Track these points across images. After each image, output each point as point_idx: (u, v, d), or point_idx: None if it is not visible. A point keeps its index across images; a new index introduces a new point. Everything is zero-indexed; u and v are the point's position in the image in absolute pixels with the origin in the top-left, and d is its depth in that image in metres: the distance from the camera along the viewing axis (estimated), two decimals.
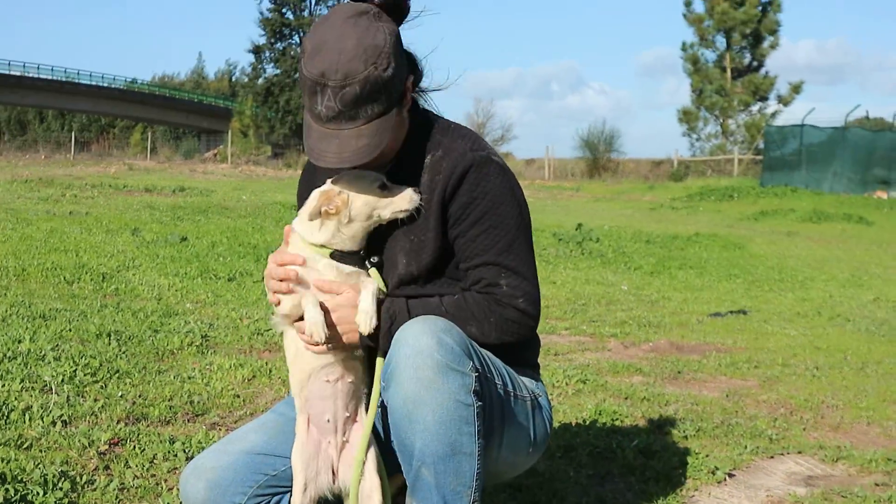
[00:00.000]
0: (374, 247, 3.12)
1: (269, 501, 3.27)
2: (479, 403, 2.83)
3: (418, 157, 3.13)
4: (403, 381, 2.78)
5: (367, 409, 3.12)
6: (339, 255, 3.01)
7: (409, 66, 3.06)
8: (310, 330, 2.91)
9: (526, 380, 3.30)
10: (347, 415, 3.13)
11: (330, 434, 3.12)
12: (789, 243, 20.07)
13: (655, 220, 25.19)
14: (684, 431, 5.40)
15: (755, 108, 63.69)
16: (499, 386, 3.06)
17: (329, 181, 3.07)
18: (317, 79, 2.85)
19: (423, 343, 2.78)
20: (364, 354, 3.11)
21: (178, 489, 3.91)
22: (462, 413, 2.79)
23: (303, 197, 3.41)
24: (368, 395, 3.10)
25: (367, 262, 3.08)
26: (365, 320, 2.93)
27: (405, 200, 3.02)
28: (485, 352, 3.05)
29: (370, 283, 2.98)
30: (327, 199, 2.97)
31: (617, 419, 5.55)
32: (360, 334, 2.97)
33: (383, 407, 2.96)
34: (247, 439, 3.32)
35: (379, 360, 3.02)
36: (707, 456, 4.98)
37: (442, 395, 2.76)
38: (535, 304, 3.16)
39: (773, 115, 60.19)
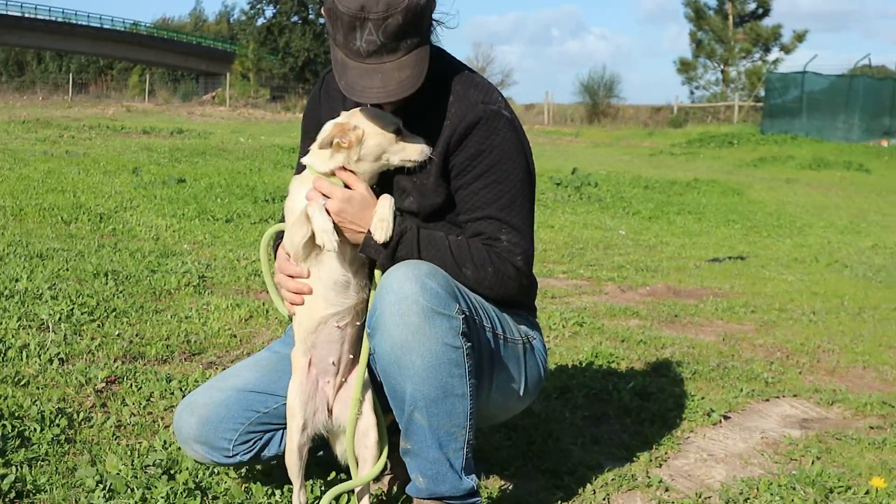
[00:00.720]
0: (376, 189, 3.09)
1: (261, 438, 3.28)
2: (469, 344, 2.83)
3: (428, 97, 3.09)
4: (389, 327, 2.77)
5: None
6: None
7: None
8: (321, 239, 2.86)
9: (517, 320, 3.29)
10: (351, 356, 3.13)
11: (330, 375, 3.12)
12: (788, 190, 20.04)
13: (654, 166, 25.13)
14: (680, 374, 5.42)
15: (757, 55, 63.34)
16: (487, 329, 3.05)
17: (344, 114, 3.04)
18: (356, 13, 2.76)
19: (407, 289, 2.77)
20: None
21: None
22: (451, 356, 2.79)
23: (308, 130, 3.38)
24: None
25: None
26: (382, 227, 2.90)
27: (416, 151, 2.99)
28: (473, 294, 3.03)
29: (387, 196, 2.98)
30: (342, 132, 2.93)
31: (613, 361, 5.56)
32: (366, 238, 2.95)
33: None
34: (240, 376, 3.33)
35: (377, 274, 3.00)
36: (703, 398, 4.99)
37: (429, 340, 2.75)
38: (531, 264, 3.17)
39: (775, 62, 59.90)
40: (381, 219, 2.92)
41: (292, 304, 3.06)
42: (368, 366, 3.07)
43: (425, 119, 3.08)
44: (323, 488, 3.45)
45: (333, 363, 3.10)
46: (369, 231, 2.94)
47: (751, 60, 63.28)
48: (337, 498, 3.34)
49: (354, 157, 2.95)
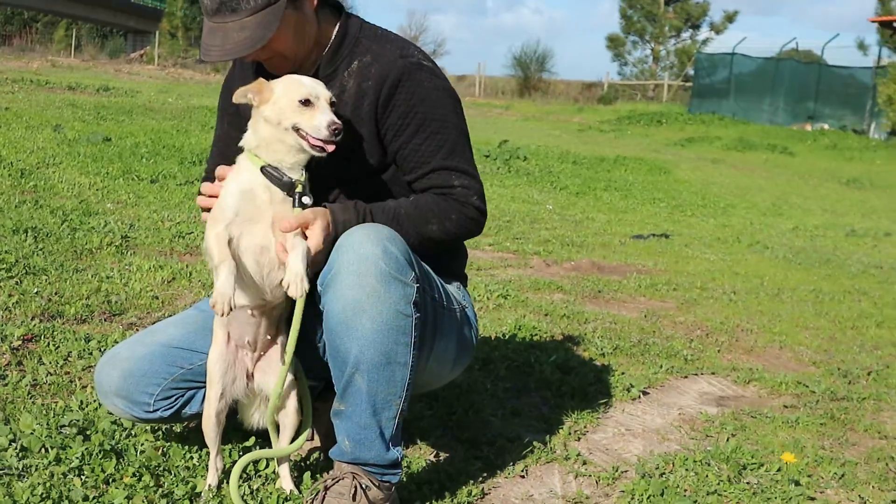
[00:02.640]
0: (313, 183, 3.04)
1: (183, 395, 3.26)
2: (418, 315, 2.84)
3: (344, 62, 3.11)
4: (344, 287, 2.75)
5: (286, 333, 3.08)
6: (268, 172, 2.90)
7: None
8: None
9: (453, 290, 3.31)
10: (269, 337, 3.12)
11: (248, 349, 3.11)
12: (714, 170, 20.26)
13: (583, 142, 25.26)
14: (602, 349, 5.46)
15: (686, 35, 63.81)
16: (434, 297, 3.07)
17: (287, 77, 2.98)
18: None
19: (368, 250, 2.75)
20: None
21: (92, 387, 3.88)
22: (400, 323, 2.78)
23: (225, 108, 3.37)
24: (289, 318, 3.05)
25: (295, 196, 2.90)
26: (295, 282, 2.78)
27: (311, 123, 2.83)
28: (420, 261, 3.03)
29: (299, 244, 2.83)
30: (258, 87, 2.90)
31: (536, 335, 5.60)
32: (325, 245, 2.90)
33: (314, 308, 2.93)
34: (165, 332, 3.30)
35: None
36: (623, 374, 5.05)
37: (383, 305, 2.75)
38: (485, 200, 3.21)
39: (705, 42, 60.32)
40: (295, 273, 2.79)
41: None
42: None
43: (348, 84, 3.09)
44: (241, 453, 3.43)
45: (248, 342, 3.09)
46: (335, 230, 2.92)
47: (680, 40, 63.73)
48: (256, 462, 3.33)
49: (262, 117, 2.90)
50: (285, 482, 3.19)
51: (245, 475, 3.27)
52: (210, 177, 3.37)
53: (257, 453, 3.14)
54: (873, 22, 43.07)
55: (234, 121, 3.31)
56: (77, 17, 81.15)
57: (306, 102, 2.86)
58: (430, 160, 3.10)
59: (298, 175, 2.92)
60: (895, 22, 40.47)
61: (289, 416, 3.12)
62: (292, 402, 3.11)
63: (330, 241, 2.88)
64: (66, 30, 79.54)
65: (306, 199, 2.90)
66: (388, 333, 2.78)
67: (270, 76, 3.01)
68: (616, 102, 46.97)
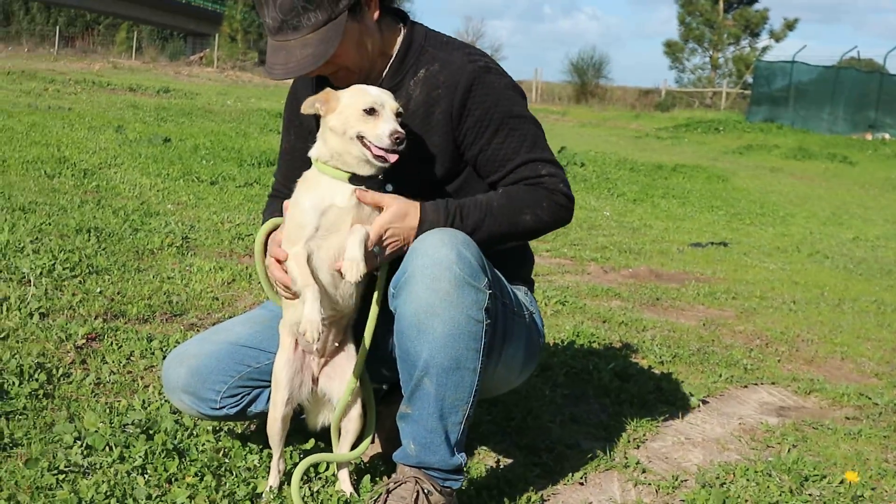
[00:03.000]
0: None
1: (249, 393, 3.28)
2: (489, 321, 2.83)
3: (410, 71, 3.11)
4: (418, 290, 2.76)
5: (353, 340, 3.12)
6: (356, 180, 2.91)
7: None
8: (304, 328, 2.81)
9: (521, 295, 3.31)
10: (336, 345, 3.13)
11: (315, 356, 3.12)
12: (772, 179, 20.07)
13: (640, 149, 25.13)
14: (660, 357, 5.43)
15: (745, 42, 63.26)
16: (505, 303, 3.07)
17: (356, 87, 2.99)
18: None
19: (443, 254, 2.76)
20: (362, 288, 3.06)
21: (154, 386, 3.93)
22: (472, 329, 2.79)
23: (291, 121, 3.39)
24: (357, 325, 3.07)
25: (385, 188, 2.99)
26: (351, 268, 2.78)
27: (375, 132, 2.83)
28: (492, 266, 3.03)
29: (358, 230, 2.84)
30: (325, 97, 2.91)
31: (594, 341, 5.57)
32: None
33: (387, 313, 2.94)
34: (233, 331, 3.33)
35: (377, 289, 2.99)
36: (682, 382, 5.01)
37: (455, 309, 2.75)
38: (570, 188, 3.22)
39: (764, 50, 59.86)
40: (350, 259, 2.79)
41: (286, 298, 3.05)
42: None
43: (415, 93, 3.09)
44: (301, 455, 3.45)
45: (317, 349, 3.09)
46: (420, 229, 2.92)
47: (739, 47, 63.21)
48: (316, 465, 3.34)
49: (329, 126, 2.91)
50: (345, 485, 3.20)
51: (305, 477, 3.28)
52: (278, 193, 3.42)
53: (319, 456, 3.16)
54: None
55: (300, 133, 3.33)
56: (138, 20, 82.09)
57: (371, 111, 2.85)
58: (514, 157, 3.11)
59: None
60: None
61: (352, 422, 3.14)
62: (356, 408, 3.13)
63: (412, 236, 2.92)
64: (127, 32, 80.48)
65: (389, 186, 2.98)
66: (459, 338, 2.78)
67: (333, 87, 3.03)
68: (673, 109, 46.68)
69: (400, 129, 2.82)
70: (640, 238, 10.24)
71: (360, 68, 3.08)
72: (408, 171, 2.99)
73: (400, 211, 2.91)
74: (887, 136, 33.24)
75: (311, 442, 3.55)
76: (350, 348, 3.14)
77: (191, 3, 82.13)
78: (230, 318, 4.92)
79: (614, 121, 39.47)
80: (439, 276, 2.74)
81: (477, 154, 3.12)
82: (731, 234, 11.42)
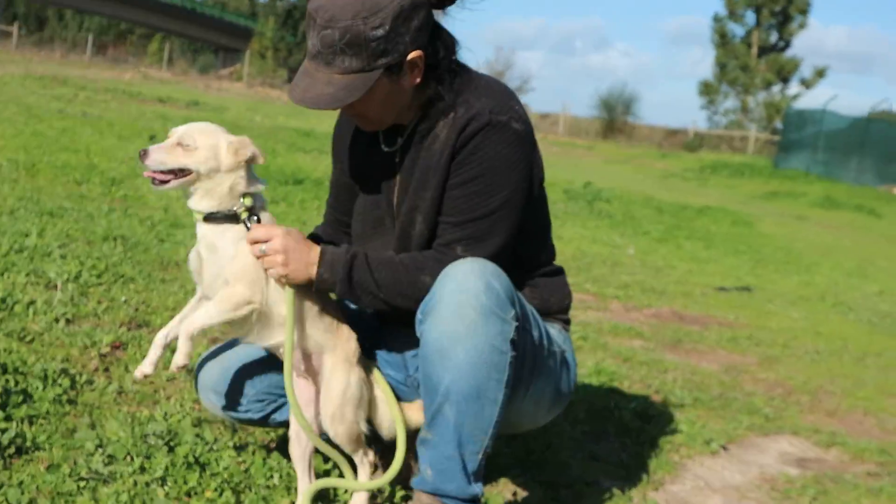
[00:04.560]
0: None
1: (276, 401, 3.35)
2: (513, 353, 2.81)
3: (442, 115, 3.01)
4: (444, 316, 2.75)
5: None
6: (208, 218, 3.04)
7: (429, 42, 2.91)
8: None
9: (555, 333, 3.29)
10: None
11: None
12: (798, 227, 20.00)
13: (666, 189, 25.11)
14: (682, 400, 5.40)
15: (776, 88, 63.22)
16: (535, 337, 3.04)
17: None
18: (310, 12, 2.82)
19: (471, 283, 2.75)
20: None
21: (176, 398, 3.94)
22: (495, 359, 2.77)
23: (337, 153, 3.39)
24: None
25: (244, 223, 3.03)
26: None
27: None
28: (524, 301, 3.01)
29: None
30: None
31: (615, 380, 5.54)
32: (317, 276, 2.95)
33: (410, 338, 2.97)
34: None
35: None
36: (703, 427, 4.97)
37: (479, 338, 2.73)
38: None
39: (795, 97, 59.75)
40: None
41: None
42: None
43: (441, 134, 3.00)
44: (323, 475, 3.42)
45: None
46: (318, 269, 2.94)
47: (769, 93, 63.15)
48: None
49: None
50: None
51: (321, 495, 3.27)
52: (327, 219, 3.50)
53: (339, 482, 3.15)
54: None
55: (342, 166, 3.36)
56: (170, 31, 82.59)
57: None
58: (457, 214, 3.00)
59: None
60: None
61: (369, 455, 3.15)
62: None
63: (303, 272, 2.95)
64: (159, 43, 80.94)
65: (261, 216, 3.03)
66: (482, 367, 2.76)
67: None
68: (700, 151, 46.64)
69: (146, 149, 2.93)
70: (663, 278, 10.21)
71: (380, 122, 3.05)
72: (411, 212, 3.06)
73: (301, 239, 2.97)
74: None
75: (330, 464, 3.53)
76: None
77: (223, 18, 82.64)
78: None
79: (641, 159, 39.45)
80: (466, 304, 2.73)
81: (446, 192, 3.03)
82: (755, 280, 11.37)
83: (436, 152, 3.00)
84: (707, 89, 64.38)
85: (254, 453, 3.54)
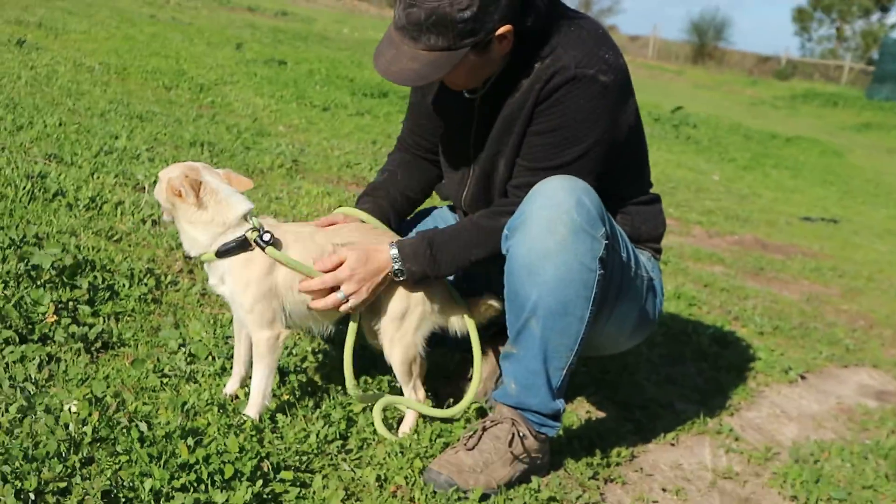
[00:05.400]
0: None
1: None
2: (602, 272, 2.81)
3: (524, 62, 2.95)
4: (533, 232, 2.75)
5: None
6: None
7: (521, 10, 2.82)
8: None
9: (644, 259, 3.26)
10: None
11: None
12: (889, 160, 19.54)
13: (754, 116, 24.64)
14: (761, 328, 5.35)
15: (875, 17, 61.48)
16: (623, 258, 3.02)
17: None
18: None
19: (562, 198, 2.74)
20: None
21: None
22: (584, 276, 2.77)
23: (413, 104, 3.38)
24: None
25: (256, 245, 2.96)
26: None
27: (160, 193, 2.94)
28: (614, 222, 3.00)
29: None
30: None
31: (694, 304, 5.51)
32: (403, 271, 2.99)
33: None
34: None
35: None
36: (781, 355, 4.94)
37: (569, 255, 2.73)
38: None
39: (894, 26, 58.12)
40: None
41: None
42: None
43: (523, 84, 2.95)
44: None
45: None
46: (395, 265, 2.97)
47: (867, 21, 61.44)
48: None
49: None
50: (406, 426, 3.19)
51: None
52: (401, 144, 3.48)
53: (404, 400, 3.17)
54: None
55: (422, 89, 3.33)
56: None
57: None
58: (534, 161, 2.99)
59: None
60: None
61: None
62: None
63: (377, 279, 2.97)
64: None
65: (266, 237, 2.92)
66: (570, 284, 2.76)
67: None
68: (792, 79, 45.62)
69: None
70: (747, 206, 10.07)
71: (467, 86, 3.03)
72: (490, 157, 3.07)
73: (360, 258, 2.93)
74: None
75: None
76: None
77: None
78: None
79: (730, 85, 38.70)
80: (556, 220, 2.72)
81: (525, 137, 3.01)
82: (842, 212, 11.17)
83: (518, 101, 2.96)
84: (801, 16, 62.85)
85: (327, 367, 3.58)
